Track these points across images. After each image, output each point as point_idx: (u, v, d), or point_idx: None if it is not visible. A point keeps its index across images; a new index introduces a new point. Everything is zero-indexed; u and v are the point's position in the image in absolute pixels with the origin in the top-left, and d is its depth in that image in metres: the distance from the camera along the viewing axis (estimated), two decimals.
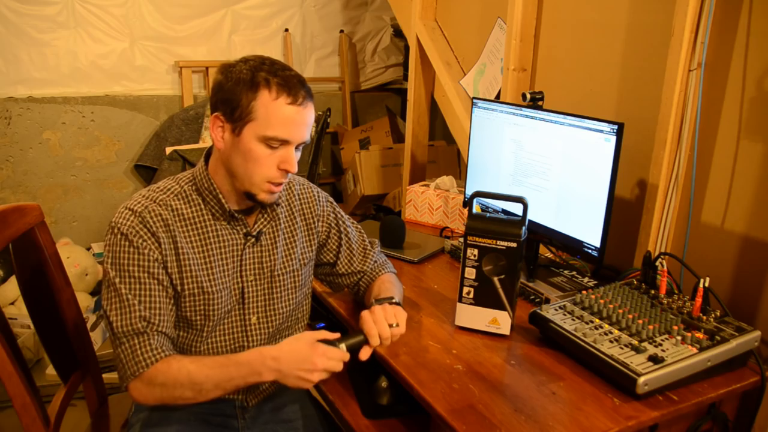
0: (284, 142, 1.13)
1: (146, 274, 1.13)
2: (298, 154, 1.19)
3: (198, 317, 1.19)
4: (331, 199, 1.43)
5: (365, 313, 1.17)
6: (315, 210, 1.36)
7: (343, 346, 1.11)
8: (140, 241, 1.13)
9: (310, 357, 1.07)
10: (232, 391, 1.14)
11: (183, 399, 1.10)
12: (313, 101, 1.17)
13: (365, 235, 1.46)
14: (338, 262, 1.41)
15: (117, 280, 1.12)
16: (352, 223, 1.45)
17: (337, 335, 1.14)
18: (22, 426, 1.15)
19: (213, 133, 1.16)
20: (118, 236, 1.13)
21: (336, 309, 1.51)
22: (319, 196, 1.39)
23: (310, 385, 1.09)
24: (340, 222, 1.41)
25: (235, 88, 1.11)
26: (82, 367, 1.45)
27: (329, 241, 1.40)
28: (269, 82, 1.10)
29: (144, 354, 1.09)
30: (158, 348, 1.11)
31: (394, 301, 1.24)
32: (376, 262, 1.43)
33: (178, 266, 1.16)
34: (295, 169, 1.16)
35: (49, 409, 1.28)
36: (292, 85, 1.11)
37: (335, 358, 1.08)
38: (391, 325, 1.16)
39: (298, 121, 1.13)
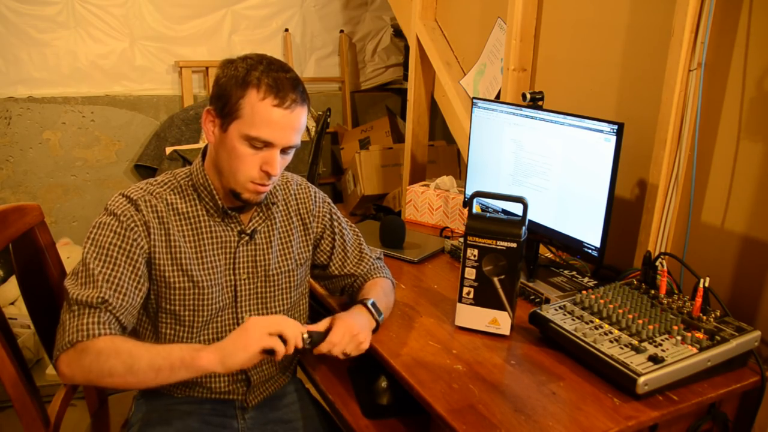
0: (268, 144, 1.12)
1: (124, 257, 1.11)
2: (289, 158, 1.18)
3: (187, 312, 1.19)
4: (328, 200, 1.42)
5: (339, 323, 1.15)
6: (311, 209, 1.36)
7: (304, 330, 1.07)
8: (130, 223, 1.13)
9: (246, 329, 1.02)
10: (168, 380, 1.03)
11: (111, 375, 1.01)
12: (307, 105, 1.15)
13: (363, 239, 1.45)
14: (331, 264, 1.40)
15: (92, 256, 1.10)
16: (350, 225, 1.44)
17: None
18: (22, 426, 1.15)
19: (205, 127, 1.17)
20: (110, 216, 1.13)
21: (336, 310, 1.50)
22: (316, 196, 1.38)
23: (249, 358, 1.01)
24: (335, 223, 1.40)
25: (227, 84, 1.11)
26: None
27: (323, 242, 1.39)
28: (260, 81, 1.09)
29: (90, 324, 1.04)
30: (106, 324, 1.05)
31: (375, 312, 1.25)
32: (373, 266, 1.42)
33: (170, 257, 1.16)
34: (277, 172, 1.14)
35: (49, 409, 1.28)
36: (282, 87, 1.10)
37: (272, 327, 1.02)
38: (345, 354, 1.14)
39: (283, 124, 1.11)
